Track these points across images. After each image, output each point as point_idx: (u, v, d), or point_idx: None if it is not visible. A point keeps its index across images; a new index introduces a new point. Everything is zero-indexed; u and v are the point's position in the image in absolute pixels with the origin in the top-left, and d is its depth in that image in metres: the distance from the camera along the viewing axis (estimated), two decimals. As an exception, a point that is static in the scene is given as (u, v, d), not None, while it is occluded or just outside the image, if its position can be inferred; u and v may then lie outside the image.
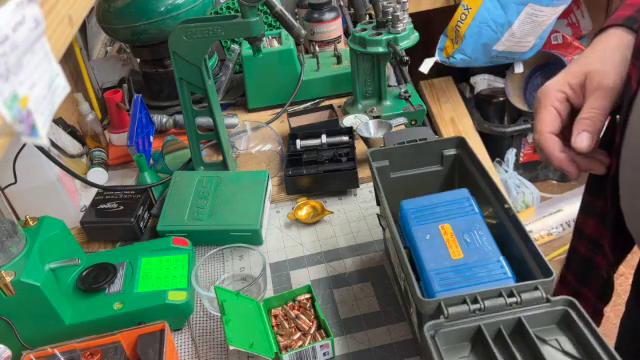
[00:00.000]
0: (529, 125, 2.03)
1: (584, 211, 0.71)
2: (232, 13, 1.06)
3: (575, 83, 0.59)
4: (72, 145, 1.17)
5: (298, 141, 1.10)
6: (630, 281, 0.75)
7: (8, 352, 0.67)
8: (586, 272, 0.72)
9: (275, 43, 1.33)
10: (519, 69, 1.87)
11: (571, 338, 0.53)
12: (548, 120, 0.59)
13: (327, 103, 1.31)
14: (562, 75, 0.61)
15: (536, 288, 0.53)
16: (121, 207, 0.98)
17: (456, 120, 1.95)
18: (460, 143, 0.79)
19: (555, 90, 0.59)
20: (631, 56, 0.56)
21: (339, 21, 1.47)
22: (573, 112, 0.60)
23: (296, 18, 1.51)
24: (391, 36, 1.13)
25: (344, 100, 1.32)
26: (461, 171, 0.79)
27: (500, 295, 0.53)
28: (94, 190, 1.04)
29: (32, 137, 0.33)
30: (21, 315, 0.71)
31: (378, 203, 0.85)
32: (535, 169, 2.26)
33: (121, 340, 0.69)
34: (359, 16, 1.52)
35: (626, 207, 0.60)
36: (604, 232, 0.66)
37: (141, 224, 0.98)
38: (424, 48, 1.46)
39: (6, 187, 0.94)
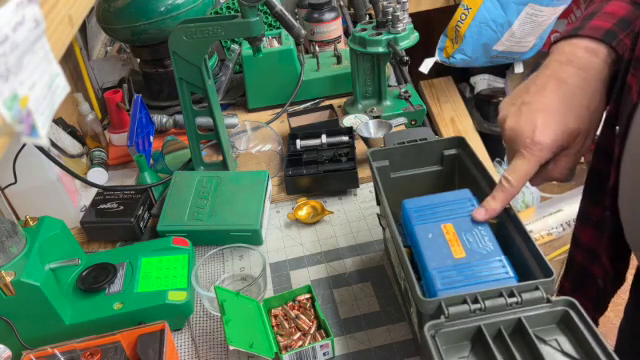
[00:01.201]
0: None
1: (581, 219, 0.70)
2: (232, 13, 1.06)
3: (568, 143, 0.60)
4: (72, 145, 1.17)
5: (298, 141, 1.10)
6: (630, 281, 0.75)
7: (8, 352, 0.67)
8: (582, 281, 0.71)
9: (275, 43, 1.33)
10: (519, 69, 1.87)
11: (570, 338, 0.53)
12: (529, 174, 0.61)
13: (327, 103, 1.31)
14: (556, 128, 0.59)
15: (537, 288, 0.53)
16: (121, 207, 0.98)
17: (456, 120, 1.95)
18: (460, 143, 0.78)
19: (548, 150, 0.60)
20: (631, 67, 0.55)
21: (339, 21, 1.47)
22: None
23: (296, 18, 1.51)
24: (391, 36, 1.13)
25: (344, 100, 1.32)
26: (461, 171, 0.79)
27: (501, 295, 0.53)
28: (94, 190, 1.04)
29: (32, 137, 0.33)
30: (21, 315, 0.71)
31: (378, 203, 0.84)
32: (535, 169, 2.26)
33: (121, 340, 0.69)
34: (359, 16, 1.52)
35: (626, 219, 0.59)
36: (601, 241, 0.66)
37: (141, 224, 0.98)
38: (424, 48, 1.46)
39: (6, 187, 0.94)
